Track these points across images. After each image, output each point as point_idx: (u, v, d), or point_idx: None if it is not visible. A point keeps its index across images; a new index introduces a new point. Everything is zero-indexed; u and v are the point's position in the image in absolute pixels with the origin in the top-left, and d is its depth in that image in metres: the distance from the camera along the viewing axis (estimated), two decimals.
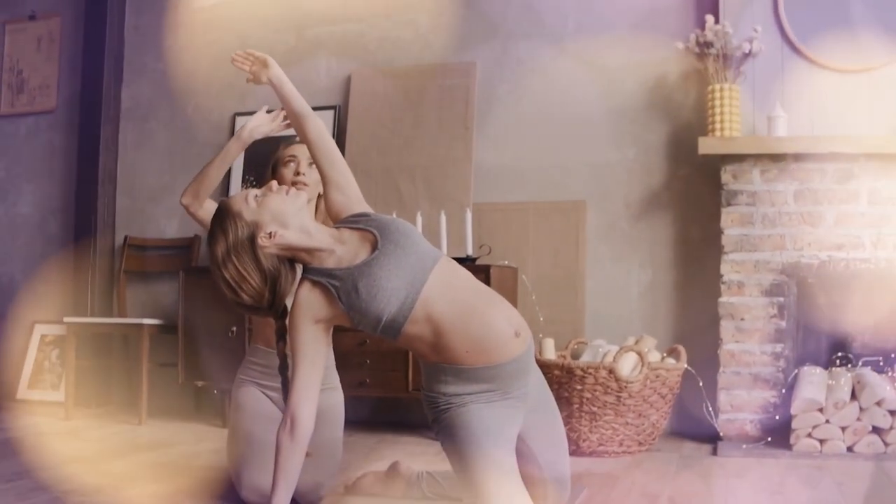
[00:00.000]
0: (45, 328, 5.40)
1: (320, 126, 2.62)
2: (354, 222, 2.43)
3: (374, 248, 2.35)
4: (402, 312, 2.32)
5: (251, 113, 5.03)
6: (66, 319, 4.78)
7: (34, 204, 5.53)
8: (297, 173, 3.03)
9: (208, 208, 3.01)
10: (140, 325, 4.63)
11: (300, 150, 3.04)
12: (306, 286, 2.37)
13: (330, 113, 4.90)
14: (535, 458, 2.53)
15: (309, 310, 2.35)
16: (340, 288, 2.32)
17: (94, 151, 5.25)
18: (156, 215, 5.29)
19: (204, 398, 5.00)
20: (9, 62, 5.64)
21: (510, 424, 2.41)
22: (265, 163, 4.85)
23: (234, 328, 4.39)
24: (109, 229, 5.31)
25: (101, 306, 5.22)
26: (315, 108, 4.79)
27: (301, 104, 2.64)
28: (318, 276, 2.35)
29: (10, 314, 5.49)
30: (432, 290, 2.33)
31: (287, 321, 2.42)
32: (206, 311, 4.48)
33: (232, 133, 5.10)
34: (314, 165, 2.97)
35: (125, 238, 5.24)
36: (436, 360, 2.39)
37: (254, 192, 2.41)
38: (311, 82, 5.01)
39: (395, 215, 4.19)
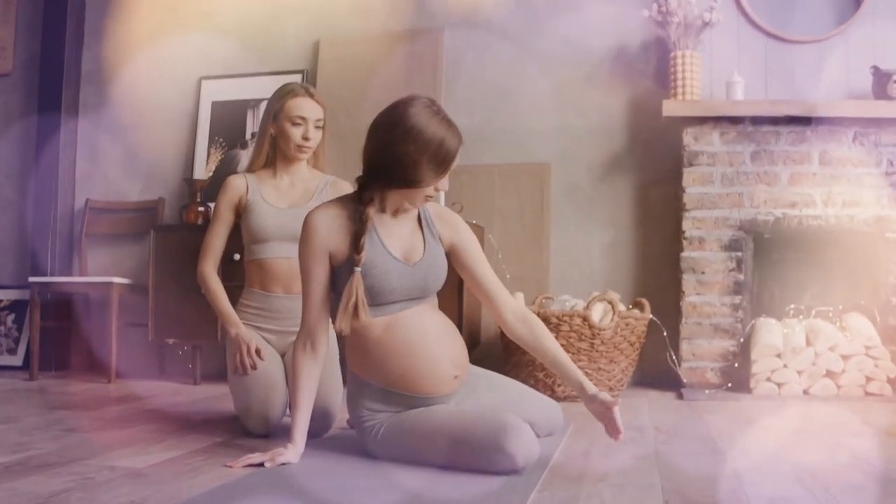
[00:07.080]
0: (1, 293, 5.34)
1: None
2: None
3: (409, 260, 2.45)
4: (373, 300, 2.40)
5: (218, 78, 5.12)
6: (31, 279, 4.75)
7: None
8: (305, 137, 3.05)
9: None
10: (109, 284, 4.62)
11: (308, 111, 3.03)
12: (330, 213, 2.44)
13: (297, 77, 4.97)
14: None
15: (325, 237, 2.42)
16: (361, 241, 2.39)
17: (55, 114, 5.19)
18: (118, 179, 5.26)
19: (170, 358, 5.02)
20: None
21: None
22: (230, 126, 4.96)
23: None
24: (69, 192, 5.26)
25: (62, 269, 5.18)
26: (282, 73, 4.99)
27: None
28: (350, 218, 2.43)
29: None
30: (407, 313, 2.44)
31: (311, 242, 2.46)
32: (178, 269, 4.51)
33: (198, 99, 5.13)
34: (320, 127, 3.07)
35: (86, 201, 5.20)
36: (364, 374, 2.48)
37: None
38: (278, 47, 5.07)
39: None
